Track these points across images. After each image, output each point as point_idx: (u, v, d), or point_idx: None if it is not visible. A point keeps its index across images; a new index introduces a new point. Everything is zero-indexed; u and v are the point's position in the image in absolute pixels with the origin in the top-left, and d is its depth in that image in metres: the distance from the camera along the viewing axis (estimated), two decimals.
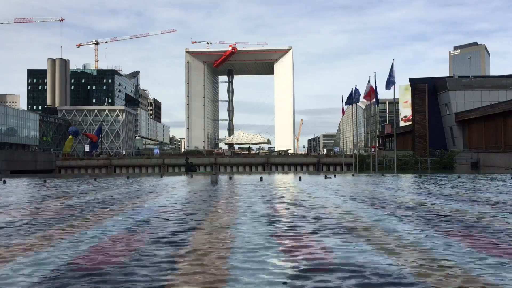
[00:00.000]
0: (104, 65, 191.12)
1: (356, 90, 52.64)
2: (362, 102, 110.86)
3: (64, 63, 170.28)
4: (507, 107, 50.30)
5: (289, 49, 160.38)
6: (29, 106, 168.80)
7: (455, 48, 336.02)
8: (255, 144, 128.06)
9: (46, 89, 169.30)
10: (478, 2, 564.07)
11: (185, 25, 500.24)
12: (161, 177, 39.98)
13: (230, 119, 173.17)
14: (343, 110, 62.61)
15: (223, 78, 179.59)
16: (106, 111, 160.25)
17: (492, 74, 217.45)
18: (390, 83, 42.92)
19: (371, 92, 46.41)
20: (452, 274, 4.85)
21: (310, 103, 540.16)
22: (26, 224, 9.07)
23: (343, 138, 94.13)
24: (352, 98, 53.44)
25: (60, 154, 78.62)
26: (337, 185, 23.00)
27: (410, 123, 70.89)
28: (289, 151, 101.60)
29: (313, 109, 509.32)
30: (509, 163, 44.74)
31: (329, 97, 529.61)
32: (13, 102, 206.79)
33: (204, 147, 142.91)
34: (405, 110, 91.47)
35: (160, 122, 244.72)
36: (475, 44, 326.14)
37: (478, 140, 58.19)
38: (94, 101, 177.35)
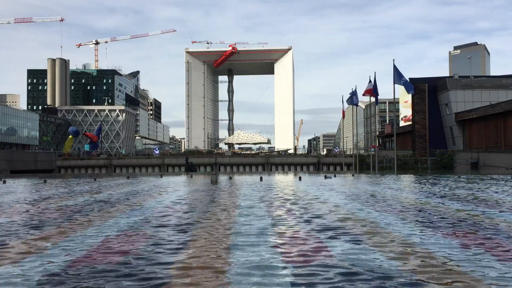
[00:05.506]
0: (104, 65, 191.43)
1: (355, 92, 52.63)
2: (362, 102, 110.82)
3: (64, 63, 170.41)
4: (507, 107, 50.32)
5: (289, 49, 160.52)
6: (29, 106, 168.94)
7: (455, 48, 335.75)
8: (255, 144, 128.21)
9: (46, 89, 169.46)
10: (479, 1, 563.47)
11: (183, 24, 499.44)
12: (161, 177, 39.98)
13: (230, 119, 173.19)
14: (343, 112, 62.55)
15: (223, 78, 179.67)
16: (106, 111, 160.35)
17: (492, 74, 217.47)
18: (409, 87, 42.89)
19: (371, 91, 46.43)
20: None
21: (310, 103, 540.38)
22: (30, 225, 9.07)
23: (343, 138, 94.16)
24: (353, 99, 53.38)
25: (61, 153, 78.65)
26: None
27: (410, 123, 70.86)
28: (289, 151, 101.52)
29: (313, 109, 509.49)
30: (509, 163, 44.72)
31: (329, 96, 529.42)
32: (13, 102, 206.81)
33: (204, 147, 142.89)
34: (405, 110, 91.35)
35: (160, 122, 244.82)
36: (475, 44, 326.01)
37: (478, 140, 58.19)
38: (94, 101, 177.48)
